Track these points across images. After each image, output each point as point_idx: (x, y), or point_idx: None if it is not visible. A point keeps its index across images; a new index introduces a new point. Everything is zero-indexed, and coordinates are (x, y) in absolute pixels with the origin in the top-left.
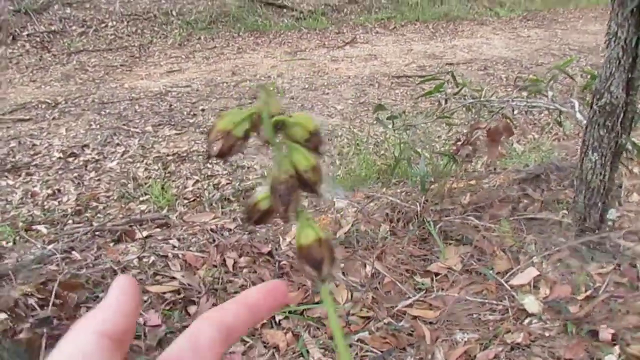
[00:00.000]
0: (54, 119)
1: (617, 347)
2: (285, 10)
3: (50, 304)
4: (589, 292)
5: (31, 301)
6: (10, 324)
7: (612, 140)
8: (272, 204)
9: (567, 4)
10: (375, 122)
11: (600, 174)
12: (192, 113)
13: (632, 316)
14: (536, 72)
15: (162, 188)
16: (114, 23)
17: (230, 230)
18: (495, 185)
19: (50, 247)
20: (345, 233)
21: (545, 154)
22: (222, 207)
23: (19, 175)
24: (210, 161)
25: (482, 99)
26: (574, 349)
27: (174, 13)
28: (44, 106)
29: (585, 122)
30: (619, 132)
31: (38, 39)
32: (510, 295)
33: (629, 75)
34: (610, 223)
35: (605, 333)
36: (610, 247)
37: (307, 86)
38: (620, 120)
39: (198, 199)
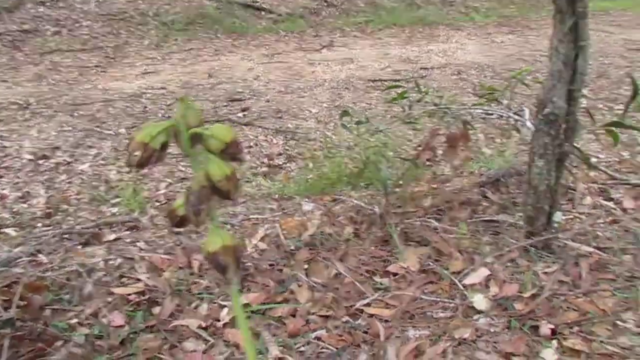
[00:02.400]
0: (25, 120)
1: (555, 341)
2: (263, 12)
3: (14, 305)
4: (534, 291)
5: None
6: None
7: (556, 147)
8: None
9: (541, 10)
10: (341, 127)
11: (546, 179)
12: (166, 115)
13: (572, 312)
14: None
15: (134, 191)
16: (89, 23)
17: (198, 232)
18: (457, 188)
19: (16, 250)
20: (310, 235)
21: (509, 158)
22: None
23: None
24: (131, 170)
25: (441, 105)
26: (516, 344)
27: (150, 14)
28: (14, 107)
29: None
30: (562, 140)
31: (9, 38)
32: (462, 293)
33: (570, 87)
34: (556, 225)
35: (545, 328)
36: (557, 248)
37: (283, 89)
38: (563, 129)
39: (169, 202)
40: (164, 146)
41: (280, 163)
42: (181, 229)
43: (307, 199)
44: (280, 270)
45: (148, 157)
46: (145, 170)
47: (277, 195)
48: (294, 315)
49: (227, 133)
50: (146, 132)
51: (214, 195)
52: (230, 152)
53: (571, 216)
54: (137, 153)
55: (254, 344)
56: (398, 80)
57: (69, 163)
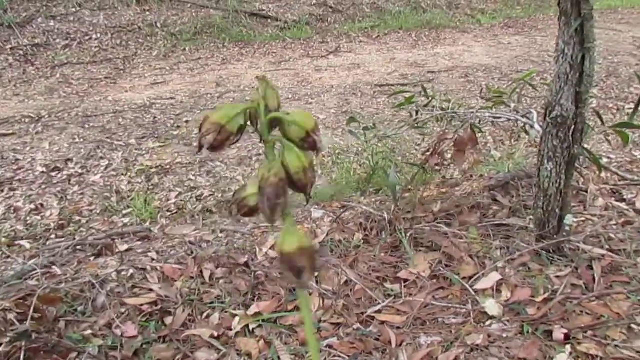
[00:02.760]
0: (37, 133)
1: (568, 346)
2: (269, 20)
3: (29, 318)
4: (546, 295)
5: (10, 316)
6: None
7: (565, 150)
8: (258, 203)
9: (547, 10)
10: (349, 133)
11: (556, 182)
12: (175, 125)
13: (585, 316)
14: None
15: (145, 201)
16: (98, 35)
17: (209, 242)
18: (466, 192)
19: (31, 262)
20: (320, 242)
21: (518, 161)
22: (203, 219)
23: (2, 191)
24: (200, 153)
25: (449, 110)
26: (529, 349)
27: (158, 25)
28: (27, 120)
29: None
30: (570, 142)
31: (21, 52)
32: (473, 299)
33: (577, 90)
34: (567, 228)
35: (559, 333)
36: (569, 251)
37: (290, 96)
38: (571, 131)
39: (180, 211)
40: (241, 129)
41: None
42: (250, 217)
43: (316, 206)
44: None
45: (223, 139)
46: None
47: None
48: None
49: (309, 120)
50: (223, 113)
51: (289, 187)
52: (310, 141)
53: (583, 218)
54: (211, 135)
55: (319, 350)
56: (405, 85)
57: (80, 174)
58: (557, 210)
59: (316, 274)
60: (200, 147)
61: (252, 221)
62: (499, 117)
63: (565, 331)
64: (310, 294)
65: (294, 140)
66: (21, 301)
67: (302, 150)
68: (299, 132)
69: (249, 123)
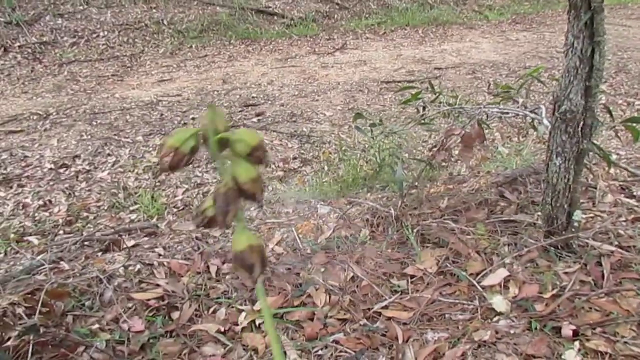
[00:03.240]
0: (45, 130)
1: (577, 343)
2: (276, 17)
3: (37, 312)
4: (555, 291)
5: (19, 310)
6: None
7: (574, 145)
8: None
9: (555, 6)
10: (355, 129)
11: (565, 177)
12: (182, 122)
13: (594, 313)
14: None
15: (152, 197)
16: (106, 33)
17: (215, 237)
18: (474, 189)
19: (39, 257)
20: (326, 238)
21: (526, 157)
22: None
23: (11, 187)
24: (159, 175)
25: (456, 105)
26: (537, 345)
27: (165, 22)
28: (35, 117)
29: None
30: (579, 137)
31: (30, 50)
32: (481, 295)
33: (586, 84)
34: (576, 224)
35: (567, 329)
36: (577, 247)
37: (297, 93)
38: (580, 126)
39: (187, 207)
40: (193, 150)
41: (296, 167)
42: (208, 230)
43: (322, 202)
44: (298, 274)
45: (179, 160)
46: (175, 173)
47: (293, 199)
48: (311, 319)
49: (253, 137)
50: (177, 137)
51: (240, 197)
52: (256, 155)
53: (592, 214)
54: (168, 158)
55: (280, 341)
56: (412, 81)
57: (88, 171)
58: (565, 206)
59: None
60: (161, 169)
61: (258, 217)
62: (507, 113)
63: (574, 328)
64: (317, 290)
65: (241, 156)
66: (29, 296)
67: (250, 164)
68: (245, 148)
69: (201, 144)
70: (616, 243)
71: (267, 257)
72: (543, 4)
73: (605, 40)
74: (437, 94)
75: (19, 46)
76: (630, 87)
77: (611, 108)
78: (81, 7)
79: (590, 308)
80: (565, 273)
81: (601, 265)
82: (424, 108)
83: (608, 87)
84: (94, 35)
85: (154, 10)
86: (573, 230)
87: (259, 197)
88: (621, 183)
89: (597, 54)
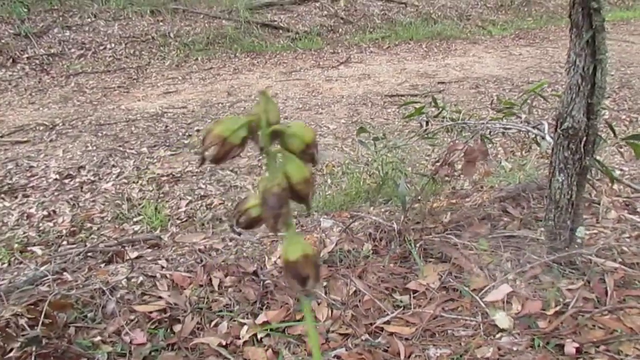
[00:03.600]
0: (51, 140)
1: None
2: (281, 31)
3: (40, 323)
4: (558, 308)
5: (21, 321)
6: (1, 344)
7: (577, 161)
8: (262, 213)
9: (559, 22)
10: (359, 143)
11: (568, 193)
12: (187, 134)
13: (598, 330)
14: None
15: (156, 209)
16: (113, 45)
17: (218, 250)
18: (477, 203)
19: (42, 268)
20: (329, 252)
21: (529, 172)
22: (213, 227)
23: (16, 197)
24: (203, 165)
25: (459, 121)
26: None
27: (171, 35)
28: (41, 128)
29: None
30: (582, 154)
31: (37, 62)
32: (483, 311)
33: (589, 101)
34: (579, 241)
35: (570, 347)
36: (580, 264)
37: (301, 106)
38: (583, 143)
39: (190, 219)
40: (244, 141)
41: None
42: (251, 229)
43: (325, 215)
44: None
45: (226, 152)
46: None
47: (296, 212)
48: None
49: (309, 133)
50: (226, 125)
51: (291, 198)
52: (310, 153)
53: (595, 231)
54: (214, 147)
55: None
56: (415, 95)
57: (93, 182)
58: (568, 222)
59: (321, 282)
60: (203, 159)
61: (261, 230)
62: (510, 128)
63: (577, 345)
64: (319, 304)
65: (294, 152)
66: (32, 307)
67: (303, 161)
68: (299, 144)
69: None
70: (620, 260)
71: (320, 270)
72: (546, 19)
73: (607, 59)
74: (440, 109)
75: (27, 57)
76: (634, 102)
77: (614, 123)
78: (89, 20)
79: (594, 325)
80: (569, 290)
81: (605, 282)
82: (427, 123)
83: (611, 102)
84: (101, 48)
85: (161, 23)
86: (576, 246)
87: (310, 199)
88: (625, 199)
89: (599, 71)
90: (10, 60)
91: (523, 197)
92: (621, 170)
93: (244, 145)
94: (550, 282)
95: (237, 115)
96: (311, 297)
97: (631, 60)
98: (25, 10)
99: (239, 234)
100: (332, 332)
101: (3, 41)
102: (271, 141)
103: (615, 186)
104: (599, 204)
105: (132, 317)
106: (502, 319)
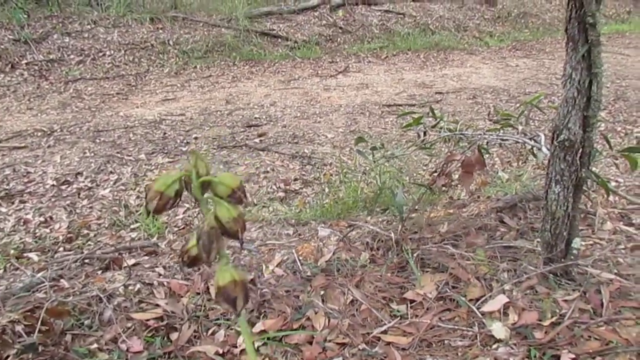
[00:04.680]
0: (49, 146)
1: None
2: (280, 40)
3: (37, 330)
4: (554, 319)
5: (18, 328)
6: None
7: (573, 173)
8: (198, 250)
9: (555, 34)
10: (357, 153)
11: (564, 205)
12: (185, 141)
13: (593, 342)
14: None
15: (153, 216)
16: (112, 52)
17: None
18: (474, 214)
19: (39, 275)
20: (326, 261)
21: (526, 182)
22: None
23: (12, 203)
24: (147, 218)
25: (457, 131)
26: None
27: (171, 42)
28: (39, 134)
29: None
30: (578, 166)
31: (36, 67)
32: (480, 321)
33: (585, 114)
34: (575, 252)
35: (567, 358)
36: (576, 275)
37: (299, 114)
38: (579, 155)
39: (187, 227)
40: (178, 193)
41: (297, 188)
42: (194, 267)
43: (323, 224)
44: (297, 297)
45: (164, 204)
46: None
47: (293, 220)
48: (310, 343)
49: (234, 180)
50: (161, 181)
51: (223, 235)
52: (236, 196)
53: (591, 242)
54: (154, 201)
55: None
56: (413, 105)
57: (90, 188)
58: (564, 234)
59: (319, 291)
60: (148, 212)
61: (259, 238)
62: (507, 140)
63: (573, 356)
64: (316, 313)
65: (223, 197)
66: (29, 313)
67: (231, 204)
68: (226, 190)
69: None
70: (615, 271)
71: (250, 289)
72: (542, 31)
73: (602, 72)
74: (438, 120)
75: (26, 63)
76: (629, 114)
77: (610, 135)
78: (88, 27)
79: (590, 337)
80: (565, 301)
81: (600, 293)
82: (424, 133)
83: (607, 114)
84: (100, 54)
85: (160, 31)
86: (572, 257)
87: (240, 235)
88: (620, 210)
89: (595, 85)
90: (9, 65)
91: (520, 208)
92: (617, 181)
93: (179, 196)
94: (547, 292)
95: (171, 171)
96: (242, 317)
97: (626, 73)
98: (25, 16)
99: (242, 244)
100: (329, 341)
101: (2, 47)
102: (203, 190)
103: (611, 198)
104: (594, 215)
105: (129, 324)
106: (498, 330)
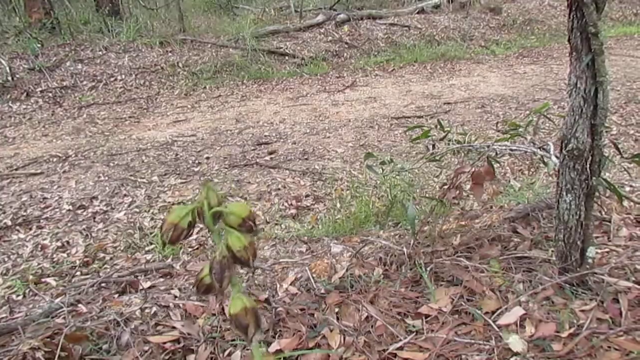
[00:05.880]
0: (64, 172)
1: None
2: (287, 57)
3: (57, 357)
4: (572, 330)
5: (38, 355)
6: None
7: (584, 182)
8: (211, 280)
9: (562, 39)
10: (367, 168)
11: (576, 214)
12: (197, 162)
13: (613, 352)
14: (531, 109)
15: (169, 246)
16: (123, 76)
17: None
18: (486, 225)
19: (57, 300)
20: (340, 277)
21: (538, 191)
22: None
23: (30, 229)
24: (163, 247)
25: (465, 143)
26: None
27: (180, 65)
28: (55, 160)
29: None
30: (588, 174)
31: (51, 95)
32: (497, 334)
33: (592, 122)
34: (590, 261)
35: None
36: (593, 284)
37: (308, 131)
38: (588, 163)
39: (201, 247)
40: (191, 224)
41: (308, 204)
42: (207, 295)
43: (335, 240)
44: (312, 315)
45: (178, 235)
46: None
47: (306, 237)
48: None
49: (244, 209)
50: (176, 214)
51: (234, 263)
52: (247, 225)
53: (607, 249)
54: (169, 233)
55: None
56: (421, 117)
57: (105, 212)
58: (578, 242)
59: (333, 308)
60: (164, 243)
61: (272, 257)
62: (516, 150)
63: None
64: (332, 331)
65: (233, 226)
66: (49, 339)
67: (242, 233)
68: (236, 219)
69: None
70: (633, 279)
71: (265, 308)
72: (549, 37)
73: (607, 80)
74: (446, 132)
75: (41, 91)
76: None
77: (622, 139)
78: (100, 53)
79: (609, 347)
80: (582, 311)
81: (618, 302)
82: (433, 146)
83: (618, 117)
84: (112, 79)
85: (170, 54)
86: (587, 266)
87: (250, 263)
88: (636, 216)
89: (601, 93)
90: (25, 94)
91: (533, 217)
92: (630, 186)
93: (193, 227)
94: (563, 303)
95: (185, 205)
96: (254, 343)
97: (636, 75)
98: (39, 45)
99: (253, 271)
100: (346, 359)
101: (18, 76)
102: (215, 220)
103: (625, 203)
104: (609, 221)
105: (146, 347)
106: (515, 342)
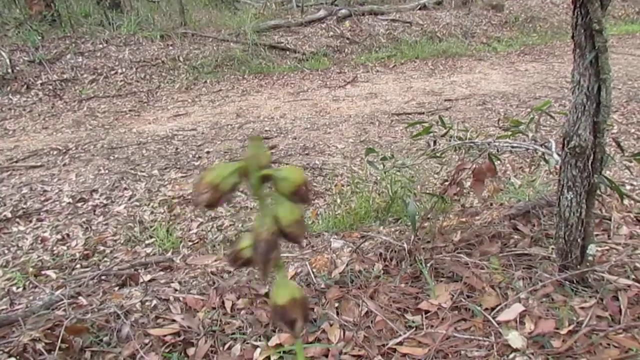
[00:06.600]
0: (64, 165)
1: None
2: (288, 52)
3: (57, 348)
4: (571, 327)
5: (39, 346)
6: None
7: (585, 179)
8: (253, 257)
9: (564, 37)
10: (367, 164)
11: (577, 211)
12: (197, 156)
13: (612, 349)
14: (532, 106)
15: (167, 231)
16: (124, 70)
17: (230, 272)
18: (487, 221)
19: (58, 292)
20: (340, 273)
21: (539, 188)
22: (224, 249)
23: (30, 221)
24: (195, 210)
25: (466, 140)
26: None
27: (181, 58)
28: (55, 152)
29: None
30: (590, 172)
31: (51, 87)
32: (496, 331)
33: (594, 119)
34: (590, 258)
35: None
36: (593, 281)
37: (309, 126)
38: (590, 161)
39: (202, 241)
40: (234, 187)
41: None
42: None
43: (336, 236)
44: (312, 309)
45: (218, 198)
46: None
47: (306, 232)
48: (326, 356)
49: (299, 175)
50: (217, 173)
51: (282, 240)
52: (300, 194)
53: (607, 247)
54: (206, 194)
55: None
56: (422, 113)
57: (105, 205)
58: (579, 240)
59: (333, 304)
60: (196, 204)
61: None
62: (517, 147)
63: None
64: (331, 326)
65: (285, 194)
66: (49, 331)
67: (293, 203)
68: (290, 186)
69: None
70: (633, 277)
71: (308, 311)
72: (551, 35)
73: (610, 78)
74: (448, 129)
75: (41, 83)
76: None
77: (624, 137)
78: (101, 46)
79: (609, 344)
80: (582, 308)
81: (618, 299)
82: (434, 142)
83: (620, 116)
84: (113, 72)
85: (171, 48)
86: (588, 264)
87: (301, 240)
88: (636, 214)
89: (604, 90)
90: (25, 86)
91: (533, 214)
92: (631, 185)
93: (235, 190)
94: (563, 300)
95: (228, 162)
96: (299, 339)
97: (638, 74)
98: (40, 38)
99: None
100: (345, 354)
101: (18, 68)
102: (262, 185)
103: (626, 201)
104: (610, 219)
105: (146, 340)
106: (515, 339)
